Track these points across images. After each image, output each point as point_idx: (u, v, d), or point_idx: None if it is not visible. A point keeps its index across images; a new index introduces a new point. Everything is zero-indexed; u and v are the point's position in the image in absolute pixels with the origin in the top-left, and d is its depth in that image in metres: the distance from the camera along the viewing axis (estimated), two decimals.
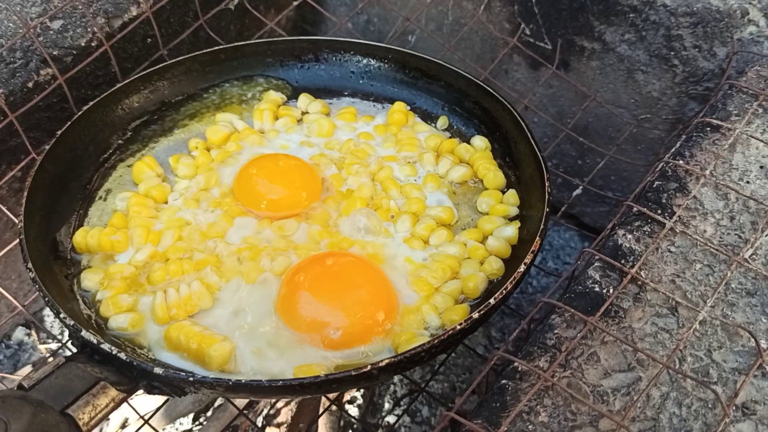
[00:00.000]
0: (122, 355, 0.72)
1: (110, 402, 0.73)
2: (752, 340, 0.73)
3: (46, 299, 0.78)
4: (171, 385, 0.74)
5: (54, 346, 1.32)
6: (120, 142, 1.04)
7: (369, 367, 0.71)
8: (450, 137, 1.06)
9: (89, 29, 1.06)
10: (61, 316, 0.76)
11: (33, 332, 1.34)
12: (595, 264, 0.80)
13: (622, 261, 0.79)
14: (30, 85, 1.01)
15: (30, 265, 0.81)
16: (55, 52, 1.03)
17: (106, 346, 0.73)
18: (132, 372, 0.73)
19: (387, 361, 0.71)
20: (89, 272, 0.88)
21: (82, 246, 0.91)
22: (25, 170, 1.08)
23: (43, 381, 0.72)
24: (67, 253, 0.92)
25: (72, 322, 0.75)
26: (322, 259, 0.87)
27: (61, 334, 1.26)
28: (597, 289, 0.78)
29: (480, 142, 1.03)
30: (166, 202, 0.97)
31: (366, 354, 0.80)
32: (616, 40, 1.15)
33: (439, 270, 0.86)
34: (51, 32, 1.05)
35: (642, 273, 0.78)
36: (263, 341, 0.81)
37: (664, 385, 0.71)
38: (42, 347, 1.32)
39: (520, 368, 0.72)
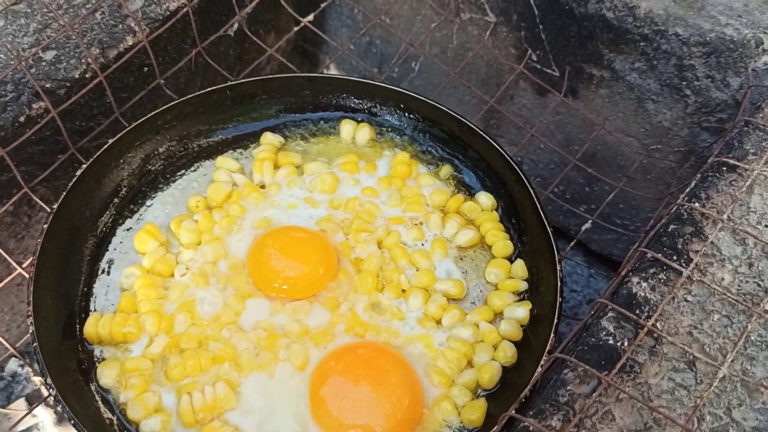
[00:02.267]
0: None
1: None
2: None
3: (73, 422, 0.78)
4: None
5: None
6: (116, 201, 1.00)
7: None
8: (454, 191, 1.05)
9: (83, 60, 1.02)
10: None
11: (26, 365, 1.31)
12: (609, 314, 0.77)
13: (637, 311, 0.76)
14: (22, 119, 0.98)
15: (50, 380, 0.81)
16: (47, 85, 0.99)
17: None
18: None
19: None
20: (105, 367, 0.87)
21: (94, 338, 0.90)
22: (17, 204, 1.05)
23: None
24: (78, 338, 0.90)
25: None
26: (354, 365, 0.87)
27: (46, 384, 1.25)
28: (611, 342, 0.75)
29: (486, 200, 1.03)
30: (173, 275, 0.95)
31: None
32: (626, 68, 1.12)
33: (455, 360, 0.88)
34: (44, 63, 1.01)
35: (658, 324, 0.75)
36: None
37: None
38: (36, 379, 1.29)
39: (531, 429, 0.69)
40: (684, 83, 1.09)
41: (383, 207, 1.02)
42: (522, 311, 0.92)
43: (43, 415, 1.23)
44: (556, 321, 0.84)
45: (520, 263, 0.97)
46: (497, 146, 1.01)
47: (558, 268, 0.89)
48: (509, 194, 1.02)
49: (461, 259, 0.99)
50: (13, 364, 1.30)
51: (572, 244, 1.07)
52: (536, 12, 1.16)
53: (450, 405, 0.85)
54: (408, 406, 0.84)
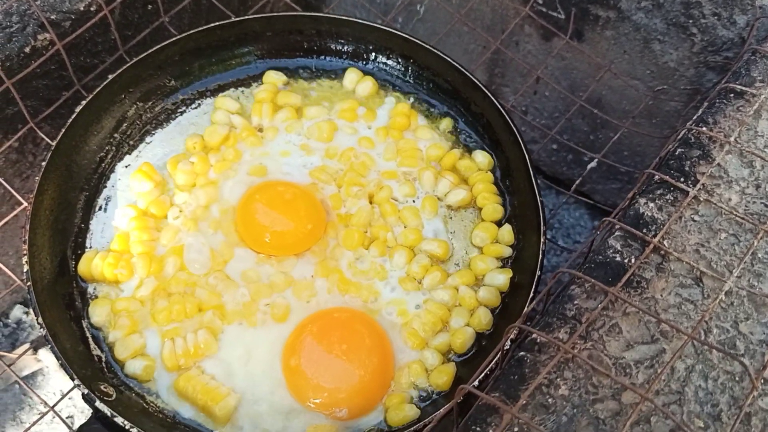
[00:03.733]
0: (134, 431, 0.77)
1: None
2: None
3: (60, 362, 0.81)
4: None
5: None
6: (115, 136, 1.01)
7: None
8: (452, 146, 1.04)
9: None
10: (76, 382, 0.79)
11: (31, 311, 1.31)
12: (616, 233, 0.77)
13: (644, 230, 0.77)
14: (27, 50, 0.98)
15: (41, 320, 0.83)
16: (53, 17, 0.99)
17: (117, 420, 0.77)
18: None
19: None
20: (96, 306, 0.90)
21: (88, 276, 0.93)
22: (22, 141, 1.05)
23: None
24: (73, 275, 0.93)
25: (87, 391, 0.79)
26: (327, 330, 0.89)
27: (37, 323, 1.26)
28: (618, 258, 0.75)
29: (482, 158, 1.02)
30: (166, 218, 0.97)
31: None
32: (632, 7, 1.11)
33: (430, 323, 0.89)
34: None
35: (665, 242, 0.75)
36: (268, 397, 0.86)
37: (689, 357, 0.70)
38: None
39: (538, 340, 0.70)
40: (690, 21, 1.08)
41: (378, 159, 1.02)
42: (502, 278, 0.92)
43: (48, 359, 1.23)
44: (531, 295, 0.84)
45: (507, 228, 0.97)
46: (498, 103, 0.99)
47: (542, 240, 0.89)
48: (505, 155, 1.01)
49: (450, 218, 0.99)
50: (17, 311, 1.32)
51: (576, 183, 1.07)
52: None
53: (420, 367, 0.87)
54: (378, 366, 0.86)
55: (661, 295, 0.73)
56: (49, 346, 0.82)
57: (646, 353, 0.70)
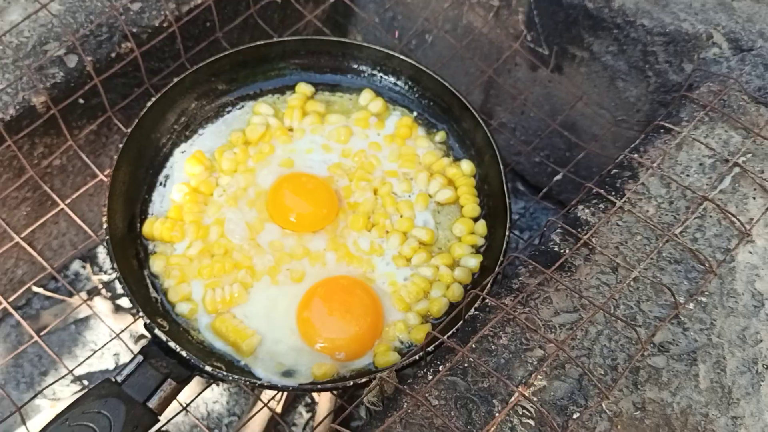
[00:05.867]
0: (183, 353, 1.00)
1: (174, 392, 1.01)
2: (673, 297, 0.94)
3: (130, 298, 1.05)
4: (217, 378, 1.03)
5: (105, 278, 1.54)
6: (176, 127, 1.26)
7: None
8: (444, 154, 1.28)
9: (162, 12, 1.27)
10: (140, 314, 1.04)
11: (88, 265, 1.56)
12: (558, 230, 1.01)
13: (579, 230, 1.00)
14: (113, 55, 1.23)
15: (115, 266, 1.07)
16: (134, 30, 1.24)
17: (171, 344, 1.00)
18: (188, 365, 1.01)
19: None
20: (156, 259, 1.15)
21: (149, 236, 1.18)
22: (100, 125, 1.30)
23: (130, 378, 0.99)
24: (138, 234, 1.18)
25: (149, 321, 1.03)
26: (332, 292, 1.13)
27: (112, 268, 1.50)
28: (556, 249, 0.99)
29: (467, 166, 1.26)
30: (212, 195, 1.21)
31: None
32: (602, 51, 1.35)
33: (414, 292, 1.13)
34: (131, 13, 1.26)
35: (593, 239, 0.99)
36: (284, 339, 1.10)
37: (600, 324, 0.93)
38: (95, 278, 1.54)
39: (489, 303, 0.94)
40: (647, 66, 1.31)
41: (383, 161, 1.26)
42: (474, 262, 1.17)
43: (100, 306, 1.48)
44: (493, 278, 1.04)
45: (482, 223, 1.21)
46: (483, 124, 1.22)
47: (507, 234, 1.13)
48: (485, 166, 1.25)
49: (438, 212, 1.23)
50: (76, 265, 1.57)
51: (544, 191, 1.31)
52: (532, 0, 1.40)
53: (403, 325, 1.11)
54: (371, 322, 1.10)
55: (585, 279, 0.97)
56: (123, 287, 1.06)
57: (568, 319, 0.94)
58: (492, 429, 0.83)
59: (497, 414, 0.85)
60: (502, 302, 0.94)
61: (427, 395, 0.87)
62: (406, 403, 0.86)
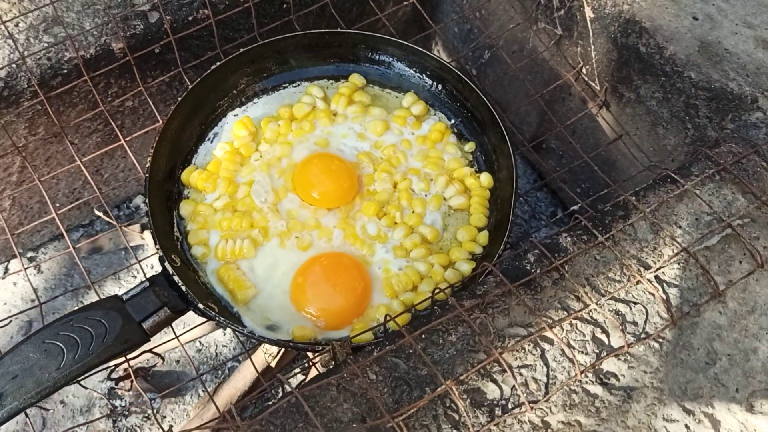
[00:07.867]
0: (183, 288, 1.13)
1: (168, 319, 1.13)
2: (623, 334, 0.98)
3: (151, 231, 1.19)
4: (207, 316, 1.14)
5: None
6: (234, 92, 1.38)
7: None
8: (467, 164, 1.35)
9: None
10: (157, 246, 1.16)
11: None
12: (535, 251, 1.06)
13: (555, 255, 1.05)
14: (190, 18, 1.37)
15: (147, 201, 1.21)
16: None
17: (175, 278, 1.13)
18: (185, 299, 1.13)
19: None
20: (186, 203, 1.28)
21: (186, 182, 1.31)
22: (172, 78, 1.45)
23: (133, 299, 1.11)
24: (176, 179, 1.31)
25: (162, 254, 1.15)
26: (330, 266, 1.23)
27: (144, 203, 1.65)
28: (528, 267, 1.05)
29: (485, 179, 1.32)
30: (249, 158, 1.33)
31: None
32: (648, 95, 1.38)
33: (404, 282, 1.21)
34: None
35: (566, 267, 1.04)
36: (276, 297, 1.20)
37: (548, 344, 0.98)
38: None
39: (450, 303, 1.01)
40: (688, 117, 1.33)
41: (410, 158, 1.34)
42: (466, 267, 1.23)
43: (149, 239, 1.64)
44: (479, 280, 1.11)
45: (484, 234, 1.27)
46: (509, 145, 1.28)
47: (501, 248, 1.19)
48: (502, 183, 1.31)
49: (448, 215, 1.30)
50: (138, 200, 1.74)
51: (557, 217, 1.36)
52: (591, 34, 1.43)
53: (386, 310, 1.19)
54: (356, 301, 1.19)
55: (548, 300, 1.02)
56: (149, 221, 1.21)
57: (520, 332, 0.99)
58: (413, 410, 0.90)
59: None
60: (460, 303, 1.01)
61: (368, 368, 0.95)
62: (346, 372, 0.95)
